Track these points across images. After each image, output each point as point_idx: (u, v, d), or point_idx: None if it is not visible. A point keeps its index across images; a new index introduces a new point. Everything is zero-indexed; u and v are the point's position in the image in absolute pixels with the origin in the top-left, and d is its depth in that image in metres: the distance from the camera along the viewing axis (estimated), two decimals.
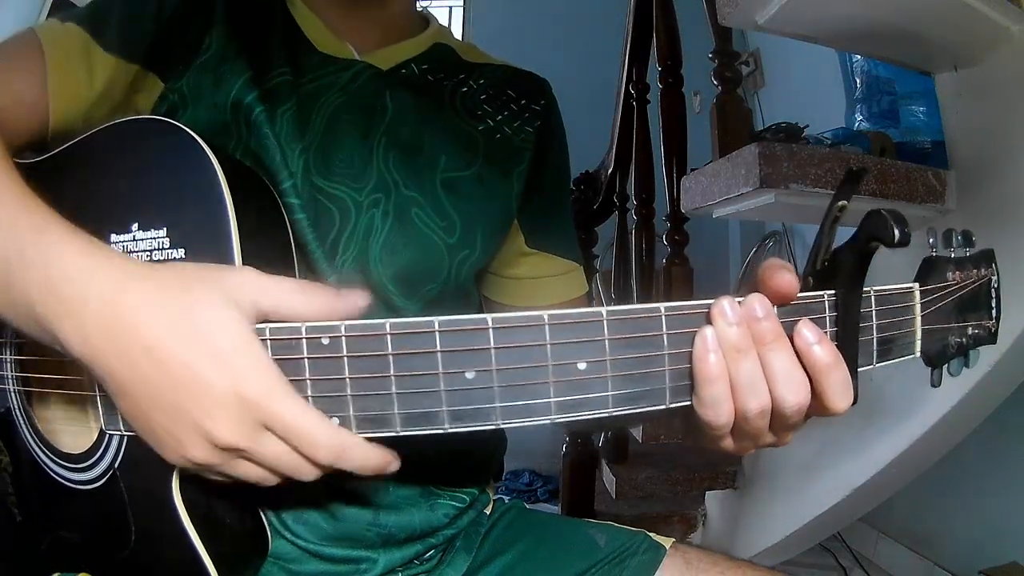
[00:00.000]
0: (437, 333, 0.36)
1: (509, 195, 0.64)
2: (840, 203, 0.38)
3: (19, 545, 0.53)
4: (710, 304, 0.37)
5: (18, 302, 0.38)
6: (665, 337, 0.37)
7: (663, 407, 0.38)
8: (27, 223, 0.38)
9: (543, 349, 0.36)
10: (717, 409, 0.38)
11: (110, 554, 0.48)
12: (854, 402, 0.38)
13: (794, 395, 0.37)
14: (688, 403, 0.38)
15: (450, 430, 0.37)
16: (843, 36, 1.08)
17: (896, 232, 0.35)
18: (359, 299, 0.39)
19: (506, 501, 0.71)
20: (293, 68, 0.58)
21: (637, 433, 1.47)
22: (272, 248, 0.50)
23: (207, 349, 0.35)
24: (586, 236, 2.01)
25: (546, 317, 0.36)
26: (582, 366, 0.36)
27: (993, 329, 0.45)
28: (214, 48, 0.57)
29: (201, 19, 0.58)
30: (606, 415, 0.37)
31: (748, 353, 0.37)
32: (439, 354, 0.36)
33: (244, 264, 0.43)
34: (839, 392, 0.38)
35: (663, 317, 0.37)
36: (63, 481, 0.49)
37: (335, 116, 0.58)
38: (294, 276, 0.49)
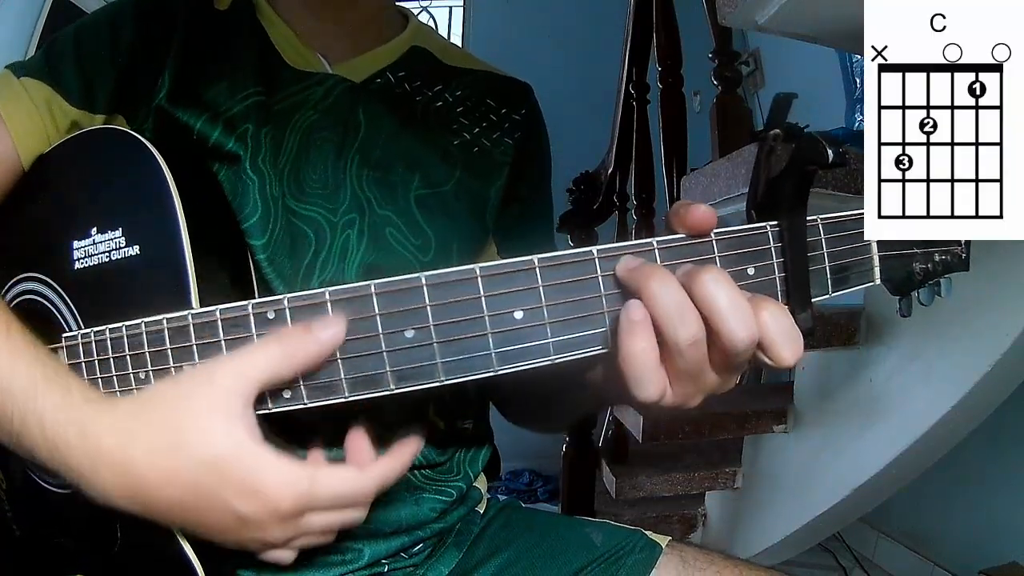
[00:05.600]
0: (374, 296, 0.37)
1: (486, 209, 0.63)
2: (773, 132, 0.38)
3: (17, 557, 0.53)
4: (642, 243, 0.37)
5: (25, 451, 0.42)
6: (600, 280, 0.37)
7: (605, 350, 0.38)
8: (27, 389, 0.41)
9: (478, 302, 0.37)
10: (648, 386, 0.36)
11: (100, 555, 0.49)
12: (812, 332, 0.37)
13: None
14: None
15: (397, 391, 0.38)
16: (843, 36, 1.07)
17: (829, 152, 0.35)
18: (331, 327, 0.37)
19: (500, 499, 0.70)
20: (266, 87, 0.57)
21: (637, 433, 1.47)
22: (224, 243, 0.51)
23: (232, 482, 0.38)
24: (586, 236, 2.00)
25: (478, 270, 0.37)
26: (519, 315, 0.37)
27: (963, 255, 0.43)
28: (170, 86, 0.55)
29: (159, 49, 0.56)
30: (548, 362, 0.37)
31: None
32: (378, 317, 0.37)
33: (197, 263, 0.44)
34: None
35: (596, 260, 0.37)
36: (51, 488, 0.50)
37: (308, 135, 0.57)
38: (248, 271, 0.51)
